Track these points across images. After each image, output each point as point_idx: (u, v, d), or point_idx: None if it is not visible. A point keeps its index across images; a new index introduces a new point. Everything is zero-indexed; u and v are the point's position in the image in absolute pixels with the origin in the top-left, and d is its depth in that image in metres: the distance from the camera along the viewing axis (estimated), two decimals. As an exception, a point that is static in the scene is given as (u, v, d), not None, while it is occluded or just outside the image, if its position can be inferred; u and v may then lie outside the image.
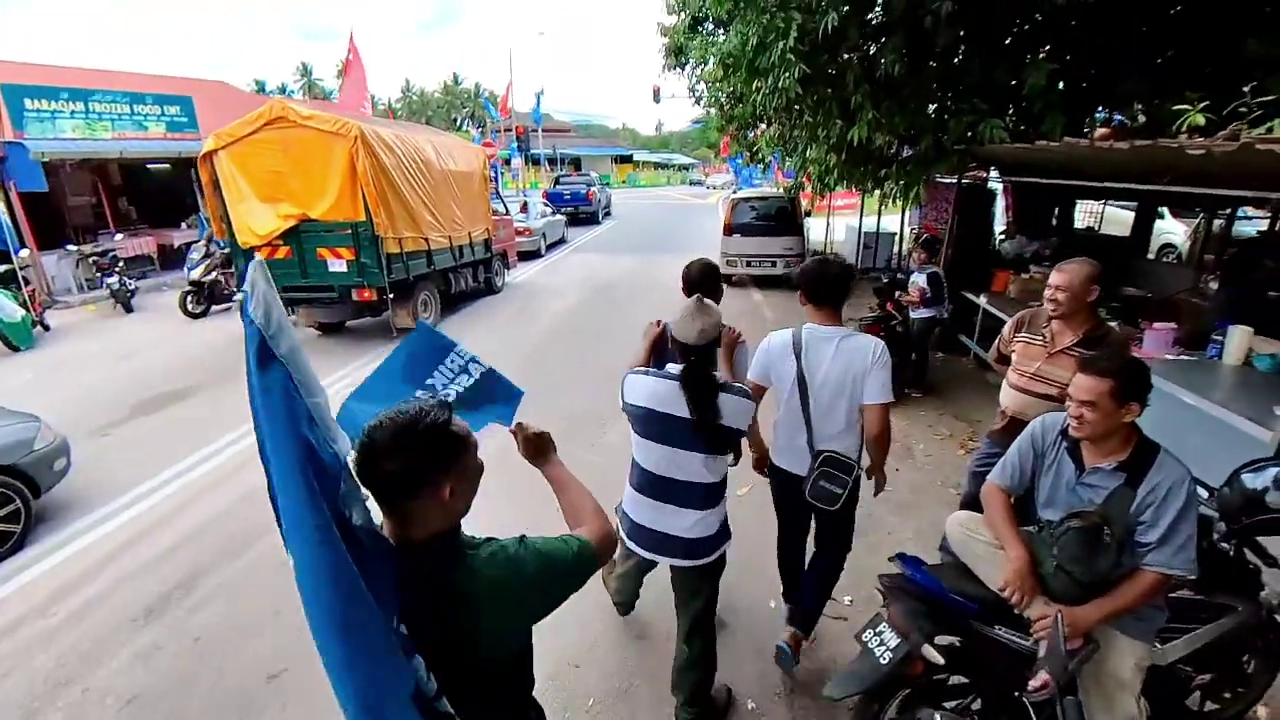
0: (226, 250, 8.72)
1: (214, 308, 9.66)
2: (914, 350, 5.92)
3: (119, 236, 11.72)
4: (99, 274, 10.45)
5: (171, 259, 12.63)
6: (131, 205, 13.47)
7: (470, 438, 1.20)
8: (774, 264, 10.79)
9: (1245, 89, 3.31)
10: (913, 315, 5.80)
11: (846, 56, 5.83)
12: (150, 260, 12.53)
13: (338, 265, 7.21)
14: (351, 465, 1.10)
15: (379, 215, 6.98)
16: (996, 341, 3.06)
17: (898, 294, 6.02)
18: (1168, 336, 4.37)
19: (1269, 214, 6.59)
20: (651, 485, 2.22)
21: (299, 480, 0.95)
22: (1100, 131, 4.57)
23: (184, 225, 13.34)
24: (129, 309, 9.91)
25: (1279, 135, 2.66)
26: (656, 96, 22.52)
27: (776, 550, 2.92)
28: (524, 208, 15.35)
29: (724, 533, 2.27)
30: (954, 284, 6.35)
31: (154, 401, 6.18)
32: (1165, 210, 10.36)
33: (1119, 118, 5.73)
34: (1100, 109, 5.66)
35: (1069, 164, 5.06)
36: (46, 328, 8.78)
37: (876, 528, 3.88)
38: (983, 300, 6.11)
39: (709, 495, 2.19)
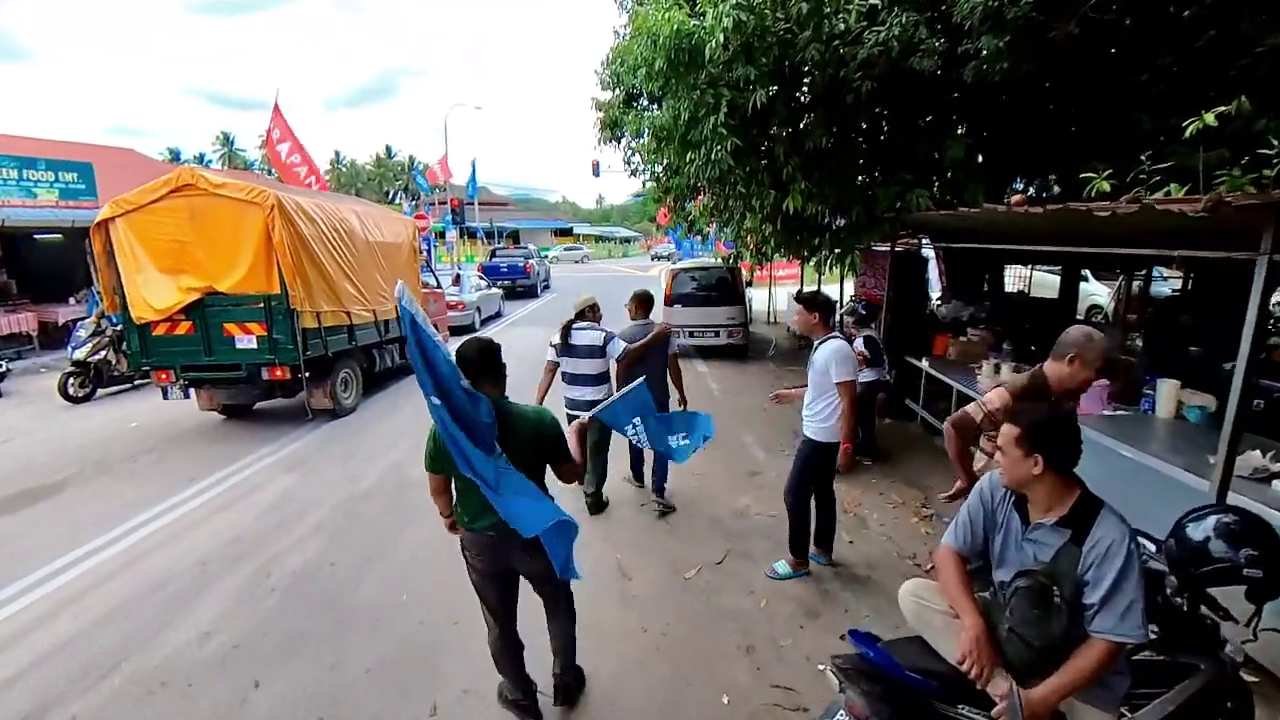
0: (120, 327, 7.89)
1: (100, 391, 8.65)
2: (861, 416, 5.85)
3: (-8, 313, 10.56)
4: (-38, 355, 9.27)
5: (56, 337, 11.43)
6: (12, 278, 12.24)
7: (500, 350, 2.42)
8: (716, 334, 10.68)
9: (1143, 157, 3.51)
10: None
11: (776, 131, 6.01)
12: (29, 339, 11.31)
13: (246, 341, 6.59)
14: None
15: (295, 288, 6.46)
16: (984, 409, 2.59)
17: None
18: (1103, 393, 4.45)
19: (1181, 274, 7.09)
20: (571, 380, 4.51)
21: (452, 371, 2.07)
22: (1016, 198, 4.79)
23: (73, 300, 12.22)
24: (-4, 394, 8.77)
25: (1175, 197, 2.78)
26: (596, 170, 23.16)
27: (795, 509, 3.89)
28: (456, 281, 14.99)
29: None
30: (895, 349, 6.41)
31: (14, 500, 5.29)
32: (1088, 273, 11.05)
33: (1036, 186, 6.12)
34: (1019, 179, 6.01)
35: (993, 229, 5.28)
36: (-113, 418, 7.58)
37: (832, 606, 3.63)
38: (925, 364, 6.19)
39: (598, 379, 4.48)
